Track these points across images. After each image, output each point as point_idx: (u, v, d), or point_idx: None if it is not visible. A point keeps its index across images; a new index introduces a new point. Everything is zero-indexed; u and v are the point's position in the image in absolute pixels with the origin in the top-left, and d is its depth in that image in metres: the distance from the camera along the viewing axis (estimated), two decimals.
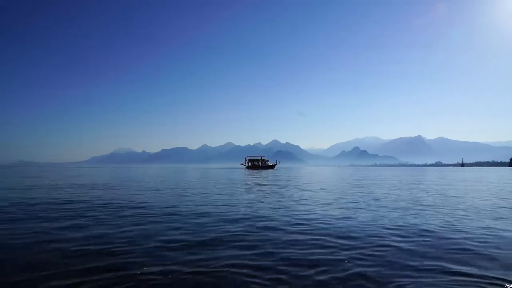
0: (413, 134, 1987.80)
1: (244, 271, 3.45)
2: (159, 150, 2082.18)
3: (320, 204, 9.16)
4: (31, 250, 4.23)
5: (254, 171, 51.43)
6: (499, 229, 5.64)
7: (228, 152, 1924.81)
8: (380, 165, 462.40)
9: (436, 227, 5.70)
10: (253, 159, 71.47)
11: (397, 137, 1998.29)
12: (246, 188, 15.21)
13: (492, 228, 5.78)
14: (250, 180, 23.26)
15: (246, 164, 71.29)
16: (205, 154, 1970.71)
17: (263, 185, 17.65)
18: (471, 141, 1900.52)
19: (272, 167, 71.66)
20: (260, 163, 69.93)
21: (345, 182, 20.90)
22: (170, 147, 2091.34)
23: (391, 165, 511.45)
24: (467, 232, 5.33)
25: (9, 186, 16.74)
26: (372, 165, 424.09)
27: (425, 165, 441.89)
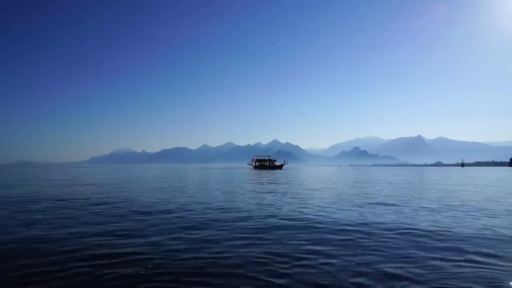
0: (413, 134, 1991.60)
1: None
2: (159, 150, 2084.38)
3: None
4: None
5: (263, 171, 50.23)
6: None
7: (228, 152, 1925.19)
8: (380, 165, 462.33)
9: None
10: (260, 159, 70.66)
11: (397, 137, 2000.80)
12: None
13: None
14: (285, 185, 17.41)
15: (254, 164, 70.50)
16: (205, 154, 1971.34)
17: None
18: (471, 141, 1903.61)
19: (280, 167, 70.49)
20: (267, 163, 69.10)
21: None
22: (170, 147, 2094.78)
23: (391, 165, 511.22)
24: None
25: None
26: (372, 165, 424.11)
27: (425, 165, 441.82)
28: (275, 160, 70.53)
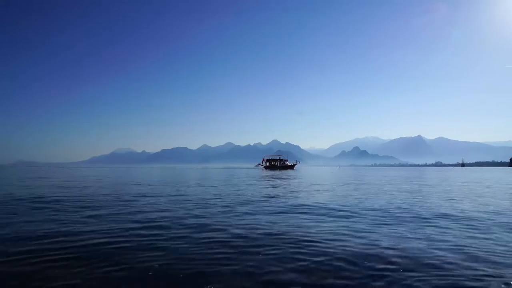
0: (413, 134, 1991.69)
1: None
2: (159, 150, 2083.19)
3: None
4: None
5: (273, 171, 47.73)
6: None
7: (228, 152, 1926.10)
8: (380, 165, 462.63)
9: None
10: (271, 159, 69.03)
11: (397, 137, 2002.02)
12: None
13: None
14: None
15: (264, 164, 68.78)
16: (205, 154, 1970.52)
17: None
18: (471, 141, 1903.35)
19: (292, 167, 68.54)
20: (278, 163, 67.47)
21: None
22: (170, 147, 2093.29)
23: (391, 165, 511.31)
24: None
25: None
26: (372, 165, 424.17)
27: (425, 165, 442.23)
28: (286, 160, 68.56)
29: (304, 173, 43.20)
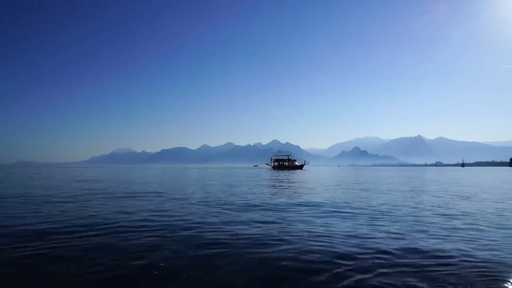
0: (413, 134, 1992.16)
1: None
2: (159, 150, 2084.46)
3: None
4: None
5: (283, 171, 46.11)
6: None
7: (228, 152, 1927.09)
8: (380, 165, 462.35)
9: None
10: (279, 159, 68.31)
11: (397, 137, 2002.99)
12: None
13: None
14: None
15: (272, 164, 68.02)
16: (205, 154, 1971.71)
17: None
18: (471, 141, 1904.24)
19: (301, 167, 67.64)
20: (287, 163, 66.79)
21: None
22: (170, 147, 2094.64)
23: (391, 165, 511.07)
24: None
25: None
26: (372, 165, 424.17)
27: (425, 165, 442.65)
28: (295, 160, 67.72)
29: (318, 174, 38.41)
